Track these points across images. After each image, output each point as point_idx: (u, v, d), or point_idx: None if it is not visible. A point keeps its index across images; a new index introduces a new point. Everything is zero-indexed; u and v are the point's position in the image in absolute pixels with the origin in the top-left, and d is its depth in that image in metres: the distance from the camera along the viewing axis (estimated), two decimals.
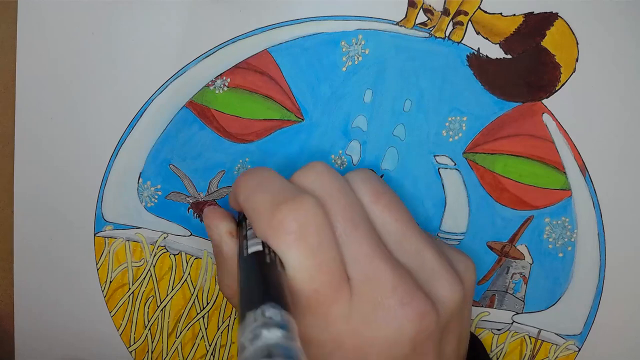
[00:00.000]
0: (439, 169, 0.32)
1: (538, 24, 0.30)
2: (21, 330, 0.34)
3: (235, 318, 0.34)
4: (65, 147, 0.32)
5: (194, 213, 0.33)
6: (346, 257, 0.23)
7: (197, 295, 0.34)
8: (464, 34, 0.31)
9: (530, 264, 0.33)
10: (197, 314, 0.34)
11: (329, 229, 0.23)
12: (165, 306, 0.34)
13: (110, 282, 0.34)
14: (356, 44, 0.31)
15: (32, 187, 0.32)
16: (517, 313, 0.34)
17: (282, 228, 0.22)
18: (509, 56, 0.31)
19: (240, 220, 0.27)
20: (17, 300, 0.34)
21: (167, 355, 0.35)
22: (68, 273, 0.34)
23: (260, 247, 0.23)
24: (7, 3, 0.30)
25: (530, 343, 0.34)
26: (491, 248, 0.33)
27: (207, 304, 0.34)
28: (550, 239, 0.33)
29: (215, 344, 0.35)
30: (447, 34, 0.31)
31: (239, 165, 0.32)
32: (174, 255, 0.33)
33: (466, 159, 0.32)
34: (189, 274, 0.34)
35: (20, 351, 0.35)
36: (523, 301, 0.34)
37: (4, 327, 0.35)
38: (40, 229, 0.33)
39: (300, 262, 0.22)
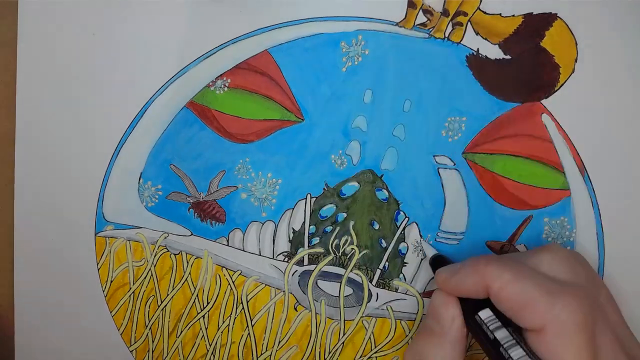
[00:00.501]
0: (438, 169, 0.32)
1: (537, 24, 0.31)
2: (21, 330, 0.35)
3: (235, 317, 0.34)
4: (66, 148, 0.32)
5: (194, 213, 0.33)
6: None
7: (197, 295, 0.34)
8: (464, 34, 0.31)
9: None
10: (198, 313, 0.34)
11: (592, 319, 0.24)
12: (165, 306, 0.34)
13: (111, 281, 0.34)
14: (356, 44, 0.31)
15: (32, 187, 0.32)
16: None
17: (565, 314, 0.24)
18: (508, 57, 0.31)
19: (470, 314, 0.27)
20: (18, 299, 0.34)
21: (167, 354, 0.35)
22: (69, 273, 0.34)
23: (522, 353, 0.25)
24: (8, 3, 0.30)
25: None
26: (490, 248, 0.33)
27: (208, 303, 0.34)
28: (549, 239, 0.33)
29: (215, 344, 0.35)
30: (446, 35, 0.31)
31: (239, 165, 0.32)
32: (175, 255, 0.33)
33: (465, 159, 0.32)
34: (190, 273, 0.34)
35: (20, 351, 0.35)
36: None
37: (4, 326, 0.35)
38: (40, 229, 0.33)
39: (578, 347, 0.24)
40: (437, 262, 0.31)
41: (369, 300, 0.34)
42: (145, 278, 0.34)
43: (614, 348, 0.25)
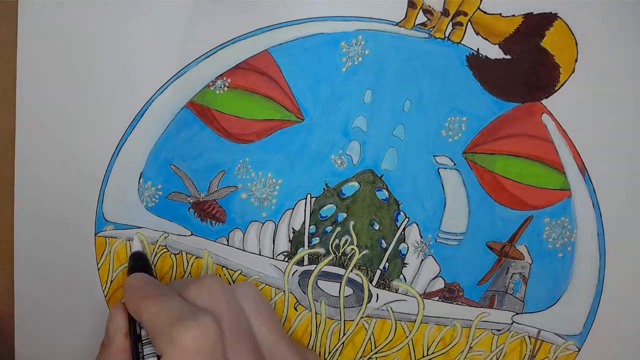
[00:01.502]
0: (438, 169, 0.32)
1: (537, 24, 0.31)
2: (21, 330, 0.34)
3: None
4: (66, 148, 0.32)
5: (194, 213, 0.33)
6: None
7: None
8: (464, 34, 0.31)
9: (530, 264, 0.33)
10: None
11: (220, 344, 0.26)
12: None
13: (111, 281, 0.34)
14: (356, 44, 0.31)
15: (32, 188, 0.32)
16: (517, 313, 0.34)
17: (179, 345, 0.25)
18: (508, 56, 0.31)
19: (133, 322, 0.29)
20: (18, 300, 0.34)
21: None
22: (69, 273, 0.34)
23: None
24: (8, 4, 0.30)
25: (530, 343, 0.34)
26: (491, 248, 0.33)
27: None
28: (550, 239, 0.33)
29: None
30: (446, 35, 0.31)
31: (239, 165, 0.32)
32: (175, 254, 0.33)
33: (466, 159, 0.32)
34: (190, 273, 0.34)
35: (20, 351, 0.35)
36: (523, 301, 0.34)
37: (4, 327, 0.35)
38: (40, 229, 0.33)
39: None
40: (136, 260, 0.32)
41: (369, 301, 0.34)
42: None
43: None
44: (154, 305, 0.27)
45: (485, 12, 0.31)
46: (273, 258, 0.33)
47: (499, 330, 0.34)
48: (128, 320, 0.29)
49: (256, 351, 0.28)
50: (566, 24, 0.30)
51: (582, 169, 0.32)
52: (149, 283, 0.29)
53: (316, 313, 0.34)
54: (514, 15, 0.31)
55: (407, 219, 0.33)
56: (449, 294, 0.34)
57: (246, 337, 0.28)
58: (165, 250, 0.33)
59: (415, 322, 0.34)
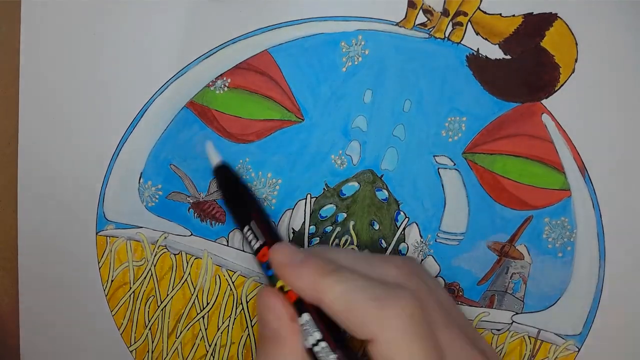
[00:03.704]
0: (438, 169, 0.32)
1: (537, 24, 0.31)
2: (25, 328, 0.35)
3: (235, 318, 0.34)
4: (67, 147, 0.32)
5: (194, 213, 0.33)
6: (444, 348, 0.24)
7: (197, 296, 0.34)
8: (464, 34, 0.31)
9: (530, 264, 0.33)
10: (197, 314, 0.34)
11: (428, 318, 0.24)
12: (165, 306, 0.34)
13: (112, 281, 0.34)
14: (356, 44, 0.31)
15: (34, 187, 0.33)
16: (517, 313, 0.34)
17: (392, 319, 0.23)
18: (508, 57, 0.31)
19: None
20: (21, 299, 0.34)
21: (167, 355, 0.35)
22: (70, 272, 0.34)
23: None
24: (11, 4, 0.30)
25: (530, 343, 0.34)
26: (491, 248, 0.33)
27: (207, 304, 0.34)
28: (550, 239, 0.33)
29: (215, 344, 0.35)
30: (446, 35, 0.31)
31: (239, 165, 0.32)
32: (175, 255, 0.34)
33: (466, 159, 0.32)
34: (189, 274, 0.34)
35: (25, 350, 0.35)
36: (522, 301, 0.34)
37: (7, 325, 0.35)
38: (43, 229, 0.33)
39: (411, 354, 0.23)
40: (223, 175, 0.30)
41: None
42: (145, 278, 0.34)
43: (461, 342, 0.25)
44: (338, 283, 0.24)
45: (485, 12, 0.31)
46: None
47: (498, 330, 0.34)
48: (290, 308, 0.26)
49: (467, 332, 0.26)
50: (566, 24, 0.30)
51: (582, 169, 0.32)
52: (308, 255, 0.26)
53: None
54: (514, 16, 0.31)
55: (407, 219, 0.33)
56: (449, 293, 0.33)
57: (447, 314, 0.26)
58: (165, 250, 0.33)
59: None
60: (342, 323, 0.24)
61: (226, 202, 0.31)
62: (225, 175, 0.30)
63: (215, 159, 0.30)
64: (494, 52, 0.31)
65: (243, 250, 0.33)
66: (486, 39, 0.31)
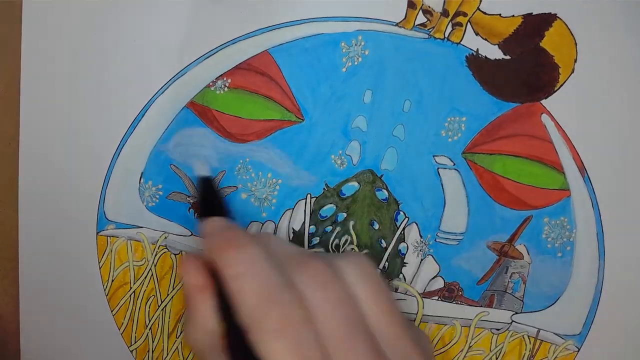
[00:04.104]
0: (438, 169, 0.32)
1: (537, 25, 0.31)
2: (26, 328, 0.35)
3: None
4: (68, 147, 0.32)
5: (194, 213, 0.33)
6: None
7: None
8: (463, 34, 0.31)
9: (529, 264, 0.33)
10: None
11: (311, 331, 0.23)
12: (165, 306, 0.34)
13: (112, 280, 0.34)
14: (356, 44, 0.31)
15: (35, 187, 0.33)
16: (516, 313, 0.34)
17: (267, 327, 0.23)
18: (507, 57, 0.31)
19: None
20: (22, 299, 0.34)
21: (167, 355, 0.35)
22: (71, 271, 0.34)
23: None
24: (12, 3, 0.30)
25: (530, 343, 0.34)
26: (490, 248, 0.33)
27: None
28: (549, 239, 0.33)
29: None
30: (446, 35, 0.31)
31: (239, 166, 0.32)
32: (175, 255, 0.34)
33: (465, 159, 0.32)
34: None
35: (25, 350, 0.35)
36: (522, 301, 0.34)
37: (8, 326, 0.35)
38: (43, 228, 0.33)
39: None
40: (205, 187, 0.30)
41: None
42: (145, 278, 0.34)
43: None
44: (240, 260, 0.24)
45: (484, 13, 0.31)
46: None
47: (498, 330, 0.34)
48: (205, 278, 0.26)
49: (359, 325, 0.25)
50: (566, 25, 0.31)
51: (582, 169, 0.32)
52: (232, 226, 0.26)
53: None
54: (513, 16, 0.31)
55: (406, 219, 0.33)
56: (449, 293, 0.34)
57: (362, 334, 0.25)
58: (166, 250, 0.33)
59: (414, 321, 0.34)
60: (232, 300, 0.24)
61: (200, 214, 0.31)
62: (208, 190, 0.30)
63: (200, 171, 0.31)
64: (493, 52, 0.31)
65: None
66: (486, 40, 0.31)
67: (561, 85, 0.31)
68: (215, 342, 0.26)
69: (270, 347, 0.23)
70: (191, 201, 0.33)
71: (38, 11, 0.30)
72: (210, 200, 0.30)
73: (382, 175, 0.32)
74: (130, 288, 0.34)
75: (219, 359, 0.25)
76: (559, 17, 0.30)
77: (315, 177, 0.32)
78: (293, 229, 0.33)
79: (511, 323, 0.34)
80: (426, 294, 0.34)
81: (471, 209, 0.33)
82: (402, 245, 0.33)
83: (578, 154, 0.32)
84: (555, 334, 0.34)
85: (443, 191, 0.32)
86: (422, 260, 0.33)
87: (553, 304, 0.34)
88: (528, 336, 0.34)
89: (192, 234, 0.33)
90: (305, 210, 0.33)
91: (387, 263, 0.33)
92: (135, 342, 0.35)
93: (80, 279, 0.34)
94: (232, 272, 0.24)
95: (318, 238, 0.33)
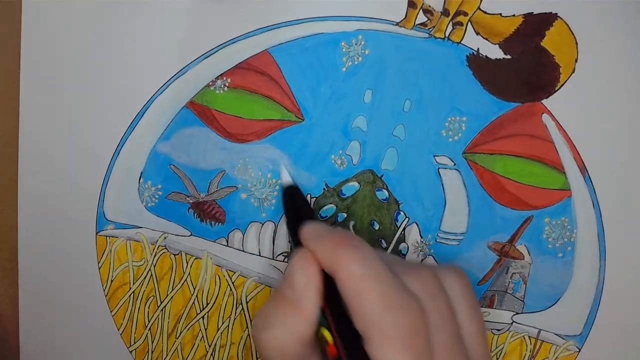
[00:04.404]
0: (438, 169, 0.32)
1: (537, 24, 0.31)
2: (25, 328, 0.35)
3: (235, 318, 0.34)
4: (67, 147, 0.32)
5: (194, 213, 0.33)
6: None
7: (197, 296, 0.34)
8: (464, 34, 0.31)
9: (530, 264, 0.33)
10: (197, 314, 0.34)
11: (427, 340, 0.23)
12: (165, 306, 0.34)
13: (112, 281, 0.34)
14: (356, 44, 0.31)
15: (34, 187, 0.33)
16: (517, 313, 0.34)
17: (392, 334, 0.22)
18: (508, 56, 0.31)
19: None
20: (21, 299, 0.34)
21: (167, 355, 0.35)
22: (70, 272, 0.34)
23: None
24: (11, 3, 0.30)
25: (530, 343, 0.34)
26: (491, 248, 0.33)
27: (207, 304, 0.34)
28: (550, 239, 0.33)
29: (215, 345, 0.35)
30: (446, 35, 0.31)
31: (239, 165, 0.32)
32: (174, 255, 0.33)
33: (466, 159, 0.32)
34: (189, 274, 0.34)
35: (24, 350, 0.35)
36: (523, 301, 0.34)
37: (8, 325, 0.35)
38: (43, 229, 0.33)
39: None
40: (291, 195, 0.30)
41: None
42: (145, 278, 0.34)
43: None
44: (356, 262, 0.23)
45: (485, 12, 0.31)
46: (273, 259, 0.33)
47: (498, 330, 0.34)
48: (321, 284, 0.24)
49: (459, 340, 0.25)
50: (566, 24, 0.30)
51: (582, 169, 0.32)
52: (337, 228, 0.26)
53: None
54: (514, 15, 0.31)
55: (407, 219, 0.33)
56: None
57: (457, 342, 0.25)
58: (165, 250, 0.33)
59: None
60: (347, 303, 0.23)
61: (288, 224, 0.31)
62: (293, 198, 0.30)
63: (286, 179, 0.31)
64: (494, 52, 0.31)
65: (243, 251, 0.33)
66: (486, 39, 0.31)
67: (562, 85, 0.31)
68: (306, 353, 0.24)
69: (393, 355, 0.22)
70: (190, 201, 0.33)
71: (38, 11, 0.30)
72: (300, 208, 0.30)
73: (382, 175, 0.32)
74: (130, 288, 0.34)
75: None
76: (559, 17, 0.30)
77: (315, 177, 0.32)
78: None
79: (512, 323, 0.34)
80: None
81: (472, 209, 0.33)
82: (402, 246, 0.33)
83: (579, 153, 0.32)
84: (556, 335, 0.34)
85: (443, 191, 0.32)
86: (422, 260, 0.33)
87: (554, 305, 0.34)
88: (529, 337, 0.34)
89: (191, 234, 0.33)
90: None
91: None
92: (135, 343, 0.35)
93: (80, 279, 0.34)
94: (350, 272, 0.23)
95: None
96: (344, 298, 0.24)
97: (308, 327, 0.24)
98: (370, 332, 0.22)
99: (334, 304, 0.24)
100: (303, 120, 0.32)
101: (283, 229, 0.33)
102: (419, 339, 0.23)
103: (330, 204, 0.33)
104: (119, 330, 0.34)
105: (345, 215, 0.33)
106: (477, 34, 0.31)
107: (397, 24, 0.31)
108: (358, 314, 0.23)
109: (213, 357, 0.35)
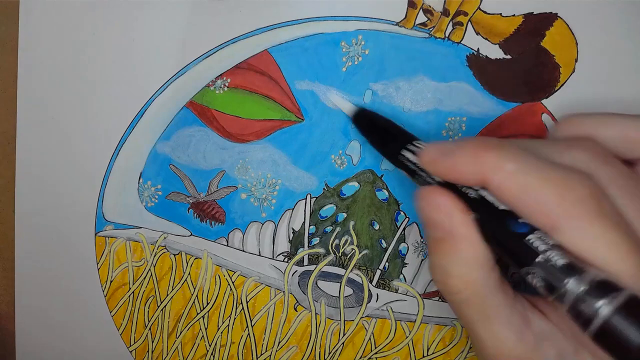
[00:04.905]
0: None
1: (538, 24, 0.30)
2: (22, 329, 0.35)
3: (235, 318, 0.34)
4: (66, 147, 0.32)
5: (194, 213, 0.33)
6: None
7: (197, 296, 0.34)
8: (464, 34, 0.31)
9: None
10: (197, 314, 0.34)
11: (615, 207, 0.21)
12: (165, 306, 0.34)
13: (111, 281, 0.34)
14: (356, 44, 0.31)
15: (33, 187, 0.33)
16: None
17: (577, 205, 0.20)
18: (508, 56, 0.31)
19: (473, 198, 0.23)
20: (19, 299, 0.34)
21: (167, 355, 0.35)
22: (69, 272, 0.34)
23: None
24: (9, 3, 0.30)
25: None
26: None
27: (207, 304, 0.34)
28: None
29: (215, 344, 0.35)
30: (446, 35, 0.31)
31: (239, 165, 0.32)
32: (174, 255, 0.33)
33: None
34: (189, 274, 0.34)
35: (21, 350, 0.35)
36: None
37: (5, 326, 0.35)
38: (41, 229, 0.33)
39: (610, 239, 0.20)
40: (366, 119, 0.28)
41: (369, 301, 0.34)
42: (144, 278, 0.34)
43: None
44: (507, 160, 0.21)
45: (485, 12, 0.30)
46: (273, 259, 0.33)
47: None
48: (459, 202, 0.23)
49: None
50: (566, 24, 0.30)
51: None
52: (462, 138, 0.24)
53: (316, 313, 0.34)
54: (514, 15, 0.30)
55: (407, 219, 0.33)
56: None
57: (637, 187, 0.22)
58: (165, 250, 0.33)
59: (415, 322, 0.34)
60: (516, 207, 0.21)
61: (377, 144, 0.29)
62: (366, 121, 0.29)
63: (346, 107, 0.30)
64: (494, 51, 0.31)
65: (243, 251, 0.33)
66: (486, 39, 0.31)
67: (562, 85, 0.31)
68: (489, 274, 0.23)
69: (594, 231, 0.20)
70: (190, 201, 0.33)
71: (35, 11, 0.30)
72: (387, 127, 0.28)
73: (382, 175, 0.32)
74: (130, 289, 0.34)
75: (500, 293, 0.23)
76: (559, 17, 0.30)
77: (315, 177, 0.32)
78: (293, 229, 0.33)
79: None
80: (427, 295, 0.34)
81: None
82: (402, 246, 0.33)
83: None
84: None
85: None
86: (422, 260, 0.33)
87: None
88: None
89: (191, 234, 0.33)
90: (305, 211, 0.33)
91: (387, 264, 0.33)
92: (135, 343, 0.35)
93: (79, 279, 0.34)
94: (507, 172, 0.21)
95: (318, 238, 0.33)
96: (506, 202, 0.22)
97: (478, 251, 0.23)
98: (557, 222, 0.21)
99: (485, 217, 0.22)
100: (303, 120, 0.32)
101: (283, 228, 0.33)
102: (608, 206, 0.21)
103: (330, 204, 0.33)
104: (118, 330, 0.34)
105: (345, 215, 0.33)
106: (477, 34, 0.31)
107: (397, 24, 0.31)
108: (533, 211, 0.21)
109: (213, 357, 0.35)
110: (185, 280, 0.34)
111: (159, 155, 0.32)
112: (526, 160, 0.21)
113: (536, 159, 0.22)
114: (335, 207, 0.33)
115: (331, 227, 0.33)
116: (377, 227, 0.33)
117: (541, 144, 0.23)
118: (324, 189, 0.33)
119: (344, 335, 0.34)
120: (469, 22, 0.31)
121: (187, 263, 0.34)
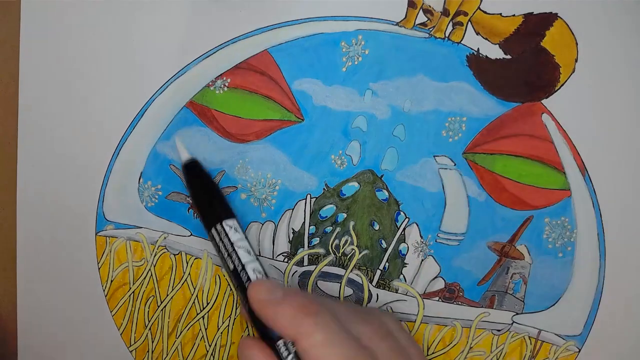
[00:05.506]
0: (438, 169, 0.32)
1: (538, 24, 0.30)
2: (24, 329, 0.35)
3: (235, 318, 0.34)
4: (67, 147, 0.32)
5: (194, 213, 0.33)
6: None
7: (197, 296, 0.34)
8: (464, 34, 0.31)
9: (530, 264, 0.33)
10: (197, 314, 0.34)
11: None
12: (165, 306, 0.34)
13: (111, 281, 0.34)
14: (356, 44, 0.31)
15: (34, 187, 0.33)
16: (517, 313, 0.34)
17: None
18: (508, 56, 0.31)
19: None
20: (20, 299, 0.34)
21: (167, 355, 0.35)
22: (70, 272, 0.34)
23: None
24: (10, 3, 0.30)
25: (530, 344, 0.34)
26: (491, 248, 0.33)
27: (207, 304, 0.34)
28: (550, 239, 0.33)
29: (215, 344, 0.35)
30: (446, 35, 0.31)
31: (239, 166, 0.32)
32: (174, 255, 0.33)
33: (466, 159, 0.32)
34: (189, 274, 0.34)
35: (23, 350, 0.35)
36: (523, 301, 0.34)
37: (7, 325, 0.35)
38: (42, 229, 0.33)
39: None
40: (192, 169, 0.30)
41: (369, 301, 0.34)
42: (145, 278, 0.34)
43: None
44: (318, 329, 0.25)
45: (485, 12, 0.30)
46: (273, 259, 0.33)
47: (499, 331, 0.34)
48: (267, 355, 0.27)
49: None
50: (566, 24, 0.30)
51: (582, 169, 0.32)
52: (288, 291, 0.27)
53: None
54: (514, 15, 0.30)
55: (407, 219, 0.33)
56: (449, 294, 0.33)
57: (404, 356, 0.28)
58: (165, 250, 0.33)
59: (415, 322, 0.34)
60: None
61: (195, 202, 0.31)
62: (195, 173, 0.30)
63: (184, 155, 0.31)
64: (494, 51, 0.31)
65: None
66: (486, 39, 0.31)
67: (562, 85, 0.31)
68: None
69: None
70: (190, 201, 0.33)
71: (37, 11, 0.30)
72: (207, 185, 0.30)
73: (382, 176, 0.32)
74: (130, 288, 0.34)
75: None
76: (559, 17, 0.30)
77: (315, 177, 0.32)
78: (293, 229, 0.33)
79: (512, 324, 0.34)
80: (427, 295, 0.34)
81: (472, 209, 0.32)
82: (402, 246, 0.33)
83: (579, 153, 0.32)
84: (556, 335, 0.34)
85: (444, 191, 0.32)
86: (422, 260, 0.33)
87: (554, 305, 0.34)
88: (529, 337, 0.34)
89: (191, 234, 0.33)
90: (305, 211, 0.33)
91: (387, 264, 0.33)
92: (135, 343, 0.35)
93: (79, 279, 0.34)
94: (314, 341, 0.25)
95: (318, 238, 0.33)
96: None
97: None
98: None
99: None
100: (303, 120, 0.32)
101: (283, 229, 0.33)
102: None
103: (330, 204, 0.33)
104: (119, 330, 0.34)
105: (345, 215, 0.33)
106: (477, 34, 0.31)
107: (397, 24, 0.31)
108: None
109: (213, 357, 0.35)
110: (185, 280, 0.34)
111: (159, 155, 0.32)
112: (333, 333, 0.25)
113: (341, 334, 0.25)
114: (335, 208, 0.33)
115: (331, 228, 0.33)
116: (377, 227, 0.33)
117: (347, 311, 0.28)
118: (324, 189, 0.33)
119: None
120: (469, 22, 0.31)
121: (187, 263, 0.34)
